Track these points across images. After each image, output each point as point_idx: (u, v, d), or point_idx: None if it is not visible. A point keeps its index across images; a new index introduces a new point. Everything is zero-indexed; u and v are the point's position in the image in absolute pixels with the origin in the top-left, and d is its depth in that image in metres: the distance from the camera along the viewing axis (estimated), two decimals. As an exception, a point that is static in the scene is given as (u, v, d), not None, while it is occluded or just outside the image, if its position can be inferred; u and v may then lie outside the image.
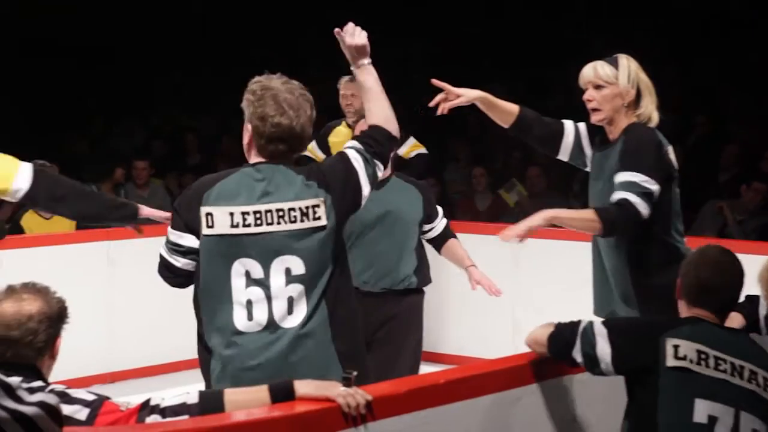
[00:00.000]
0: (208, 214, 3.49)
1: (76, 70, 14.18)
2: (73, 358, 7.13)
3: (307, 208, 3.52)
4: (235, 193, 3.51)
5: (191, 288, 3.64)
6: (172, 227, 3.57)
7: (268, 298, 3.47)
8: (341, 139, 7.85)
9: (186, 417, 2.89)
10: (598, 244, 4.38)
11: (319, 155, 7.69)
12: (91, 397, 2.94)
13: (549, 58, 12.71)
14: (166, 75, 14.85)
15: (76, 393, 2.93)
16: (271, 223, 3.49)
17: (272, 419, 2.92)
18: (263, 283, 3.47)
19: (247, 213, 3.48)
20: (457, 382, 3.43)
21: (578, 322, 3.52)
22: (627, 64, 4.30)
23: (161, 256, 3.61)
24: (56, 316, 3.00)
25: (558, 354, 3.54)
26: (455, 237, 5.56)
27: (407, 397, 3.23)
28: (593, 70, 4.30)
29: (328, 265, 3.52)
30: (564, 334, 3.53)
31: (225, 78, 14.03)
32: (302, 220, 3.50)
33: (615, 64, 4.29)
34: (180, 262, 3.56)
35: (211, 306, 3.52)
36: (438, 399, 3.30)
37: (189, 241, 3.53)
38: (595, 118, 4.33)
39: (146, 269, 7.38)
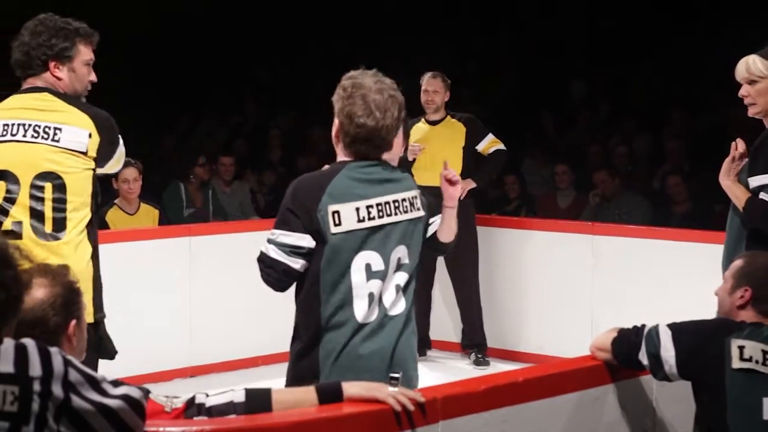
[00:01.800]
0: (335, 212, 3.54)
1: (163, 68, 14.37)
2: (154, 353, 7.29)
3: (412, 198, 3.70)
4: (354, 188, 3.59)
5: (262, 282, 3.67)
6: (290, 230, 3.56)
7: (383, 290, 3.59)
8: (420, 135, 7.88)
9: (233, 416, 2.86)
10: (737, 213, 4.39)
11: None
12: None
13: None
14: (249, 72, 14.99)
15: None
16: (391, 215, 3.62)
17: (321, 419, 2.89)
18: (383, 275, 3.59)
19: (371, 206, 3.58)
20: (536, 381, 3.42)
21: (642, 326, 3.51)
22: None
23: (273, 260, 3.58)
24: (66, 300, 2.85)
25: (623, 358, 3.52)
26: None
27: (486, 394, 3.23)
28: (745, 66, 4.30)
29: (418, 255, 3.70)
30: (629, 338, 3.51)
31: (307, 75, 14.16)
32: (410, 211, 3.68)
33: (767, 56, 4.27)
34: (299, 264, 3.58)
35: (333, 302, 3.56)
36: (516, 397, 3.30)
37: (309, 242, 3.56)
38: (751, 112, 4.34)
39: (227, 264, 7.54)
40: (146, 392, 2.67)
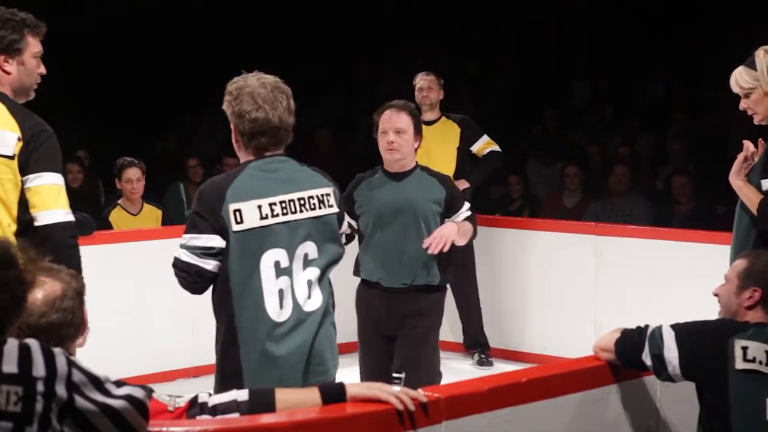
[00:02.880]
0: (236, 210, 3.63)
1: (164, 69, 14.37)
2: (157, 353, 7.29)
3: (322, 195, 3.77)
4: (255, 187, 3.68)
5: None
6: (199, 232, 3.66)
7: (293, 285, 3.66)
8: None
9: (236, 415, 2.86)
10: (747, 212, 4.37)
11: None
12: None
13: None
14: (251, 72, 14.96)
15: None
16: (295, 212, 3.70)
17: (324, 419, 2.90)
18: (289, 271, 3.66)
19: (275, 204, 3.67)
20: (539, 381, 3.42)
21: (646, 327, 3.51)
22: (764, 59, 4.26)
23: (186, 264, 3.69)
24: (79, 289, 2.90)
25: (626, 358, 3.52)
26: (472, 225, 5.33)
27: (489, 394, 3.23)
28: (734, 80, 4.33)
29: (331, 250, 3.76)
30: (632, 339, 3.50)
31: (308, 75, 14.16)
32: (318, 208, 3.74)
33: (753, 65, 4.27)
34: (211, 265, 3.67)
35: (244, 300, 3.64)
36: (520, 397, 3.30)
37: (218, 242, 3.65)
38: (756, 121, 4.36)
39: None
40: (149, 392, 2.67)
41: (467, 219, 5.29)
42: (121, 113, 13.57)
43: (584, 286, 7.66)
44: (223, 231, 3.63)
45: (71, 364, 2.53)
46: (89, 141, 11.41)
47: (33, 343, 2.52)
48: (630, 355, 3.50)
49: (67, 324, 2.82)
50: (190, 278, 3.70)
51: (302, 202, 3.72)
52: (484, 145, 7.91)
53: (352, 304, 5.37)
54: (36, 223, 3.90)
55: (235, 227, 3.62)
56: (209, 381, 7.34)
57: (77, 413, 2.51)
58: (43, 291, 2.81)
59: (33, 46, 4.01)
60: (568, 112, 12.48)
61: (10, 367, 2.45)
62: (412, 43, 14.00)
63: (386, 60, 14.13)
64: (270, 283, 3.63)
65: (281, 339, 3.65)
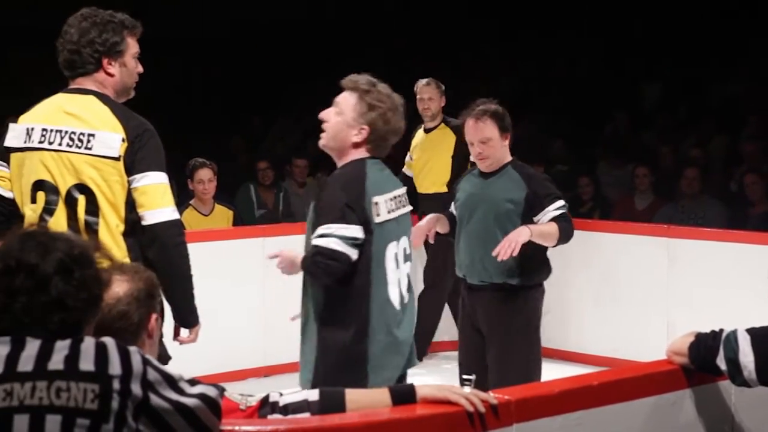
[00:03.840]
0: (376, 203, 3.84)
1: (235, 73, 14.50)
2: (230, 352, 7.35)
3: (404, 194, 4.08)
4: (382, 182, 3.93)
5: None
6: (347, 222, 3.80)
7: (401, 276, 3.94)
8: (416, 143, 7.92)
9: (307, 415, 2.87)
10: None
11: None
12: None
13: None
14: (323, 73, 15.04)
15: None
16: (399, 208, 3.97)
17: (394, 420, 2.88)
18: (399, 263, 3.93)
19: (392, 198, 3.93)
20: (611, 385, 3.39)
21: (720, 331, 3.45)
22: None
23: (336, 252, 3.79)
24: (146, 295, 2.92)
25: (700, 362, 3.46)
26: (556, 224, 5.17)
27: (560, 397, 3.21)
28: None
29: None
30: (706, 343, 3.45)
31: (379, 76, 14.18)
32: (406, 205, 4.05)
33: None
34: (356, 254, 3.84)
35: (377, 290, 3.87)
36: (591, 401, 3.27)
37: (362, 233, 3.83)
38: None
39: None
40: (222, 391, 2.69)
41: (557, 218, 5.15)
42: (193, 115, 13.72)
43: (656, 289, 7.59)
44: (366, 222, 3.82)
45: (146, 362, 2.56)
46: (163, 142, 11.53)
47: (109, 341, 2.56)
48: (704, 360, 3.45)
49: (118, 327, 2.82)
50: (338, 266, 3.80)
51: (400, 198, 4.00)
52: None
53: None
54: (143, 223, 3.94)
55: (376, 219, 3.85)
56: (280, 380, 7.45)
57: (152, 411, 2.54)
58: (108, 291, 2.83)
59: (132, 46, 4.07)
60: (639, 114, 12.37)
61: (87, 365, 2.49)
62: (488, 45, 13.97)
63: (462, 60, 14.12)
64: (392, 274, 3.89)
65: (400, 326, 3.93)
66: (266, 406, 2.86)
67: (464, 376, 3.13)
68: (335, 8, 15.11)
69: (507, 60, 13.80)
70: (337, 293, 3.88)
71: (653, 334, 7.35)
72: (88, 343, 2.53)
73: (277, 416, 2.86)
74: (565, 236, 5.18)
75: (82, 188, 3.90)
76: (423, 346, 7.64)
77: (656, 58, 13.36)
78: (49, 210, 3.93)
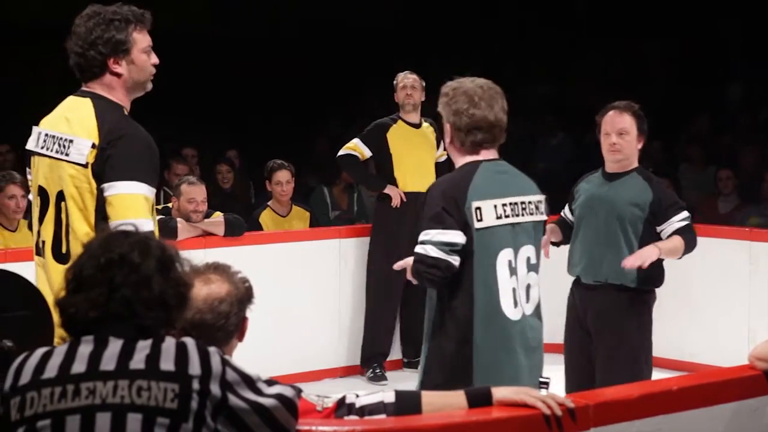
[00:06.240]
0: (477, 208, 3.78)
1: (313, 73, 14.57)
2: (306, 352, 7.39)
3: (538, 202, 3.97)
4: (491, 186, 3.84)
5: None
6: (445, 228, 3.76)
7: (518, 285, 3.85)
8: (404, 139, 7.54)
9: (383, 416, 2.87)
10: None
11: (365, 152, 7.59)
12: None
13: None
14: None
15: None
16: (519, 214, 3.87)
17: (471, 423, 2.88)
18: (516, 271, 3.84)
19: (506, 204, 3.84)
20: (691, 390, 3.34)
21: None
22: None
23: (435, 259, 3.76)
24: (245, 297, 2.97)
25: None
26: (681, 237, 5.17)
27: (639, 402, 3.17)
28: None
29: (540, 257, 3.98)
30: None
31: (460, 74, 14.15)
32: (536, 213, 3.93)
33: None
34: (457, 261, 3.78)
35: (483, 298, 3.79)
36: (670, 406, 3.23)
37: (461, 238, 3.78)
38: None
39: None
40: (299, 391, 2.71)
41: (682, 230, 5.13)
42: (272, 117, 13.82)
43: (738, 293, 7.46)
44: (466, 228, 3.78)
45: (225, 363, 2.58)
46: (241, 144, 11.65)
47: (189, 341, 2.58)
48: (788, 365, 3.39)
49: (218, 327, 2.89)
50: (440, 273, 3.78)
51: (524, 205, 3.90)
52: (443, 152, 7.71)
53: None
54: None
55: (477, 225, 3.79)
56: (355, 381, 7.47)
57: (230, 411, 2.56)
58: (208, 290, 2.89)
59: (140, 41, 3.84)
60: (721, 115, 12.19)
61: (168, 364, 2.52)
62: (560, 46, 13.88)
63: (531, 62, 14.06)
64: (505, 282, 3.80)
65: (515, 338, 3.83)
66: (343, 407, 2.88)
67: (540, 379, 3.10)
68: (418, 12, 15.13)
69: (588, 64, 13.69)
70: (444, 299, 3.85)
71: (734, 339, 7.23)
72: (169, 343, 2.56)
73: (354, 417, 2.87)
74: (689, 248, 5.21)
75: (63, 195, 3.79)
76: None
77: (738, 57, 13.17)
78: (42, 215, 3.86)
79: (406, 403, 2.91)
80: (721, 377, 3.51)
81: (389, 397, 2.91)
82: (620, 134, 5.16)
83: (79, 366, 2.50)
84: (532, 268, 3.90)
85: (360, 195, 9.86)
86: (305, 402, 2.76)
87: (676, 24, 14.02)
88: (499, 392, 2.97)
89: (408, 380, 7.29)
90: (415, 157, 7.55)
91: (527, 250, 3.88)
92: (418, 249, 3.79)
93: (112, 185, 3.68)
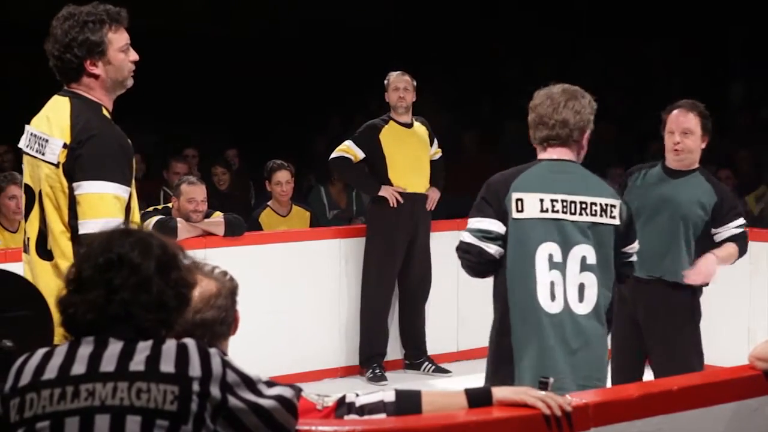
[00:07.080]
0: (518, 199, 3.91)
1: (313, 73, 14.56)
2: (306, 352, 7.38)
3: (606, 205, 3.98)
4: (541, 182, 3.94)
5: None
6: (482, 216, 3.94)
7: (564, 283, 3.89)
8: (398, 139, 7.48)
9: (383, 416, 2.87)
10: None
11: (358, 154, 7.52)
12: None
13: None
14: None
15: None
16: (575, 213, 3.92)
17: (471, 423, 2.88)
18: (562, 267, 3.89)
19: (556, 200, 3.91)
20: (692, 390, 3.34)
21: None
22: None
23: (468, 245, 3.95)
24: (233, 288, 2.96)
25: None
26: (736, 245, 5.27)
27: (639, 402, 3.17)
28: None
29: (611, 261, 3.99)
30: None
31: (460, 78, 14.16)
32: (601, 215, 3.95)
33: None
34: (492, 249, 3.92)
35: (518, 288, 3.89)
36: (671, 406, 3.23)
37: (498, 227, 3.91)
38: None
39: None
40: (299, 391, 2.70)
41: (735, 237, 5.22)
42: (272, 117, 13.81)
43: (738, 294, 7.45)
44: (504, 217, 3.90)
45: (226, 364, 2.57)
46: (241, 143, 11.65)
47: (190, 342, 2.57)
48: (788, 366, 3.39)
49: (220, 321, 2.89)
50: (472, 258, 3.95)
51: (584, 205, 3.95)
52: (437, 150, 7.70)
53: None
54: (79, 232, 3.74)
55: (515, 215, 3.90)
56: (355, 381, 7.47)
57: (229, 412, 2.55)
58: (200, 289, 2.87)
59: (116, 41, 3.81)
60: (721, 115, 12.18)
61: (168, 366, 2.51)
62: (563, 49, 13.87)
63: (531, 63, 14.04)
64: (543, 274, 3.88)
65: (549, 330, 3.89)
66: (343, 407, 2.87)
67: (541, 379, 3.10)
68: (419, 11, 15.12)
69: (588, 64, 13.68)
70: (493, 289, 4.02)
71: (734, 339, 7.22)
72: (170, 345, 2.55)
73: (354, 417, 2.87)
74: (741, 255, 5.33)
75: (42, 193, 3.83)
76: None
77: (739, 58, 13.17)
78: (27, 212, 3.88)
79: (406, 403, 2.90)
80: (722, 377, 3.51)
81: (389, 397, 2.91)
82: (684, 133, 5.21)
83: (78, 367, 2.50)
84: (589, 268, 3.91)
85: (359, 193, 9.85)
86: (305, 401, 2.76)
87: (676, 24, 14.02)
88: (500, 392, 2.97)
89: (408, 380, 7.30)
90: (409, 157, 7.51)
91: (582, 249, 3.92)
92: (460, 236, 3.99)
93: (81, 185, 3.71)
